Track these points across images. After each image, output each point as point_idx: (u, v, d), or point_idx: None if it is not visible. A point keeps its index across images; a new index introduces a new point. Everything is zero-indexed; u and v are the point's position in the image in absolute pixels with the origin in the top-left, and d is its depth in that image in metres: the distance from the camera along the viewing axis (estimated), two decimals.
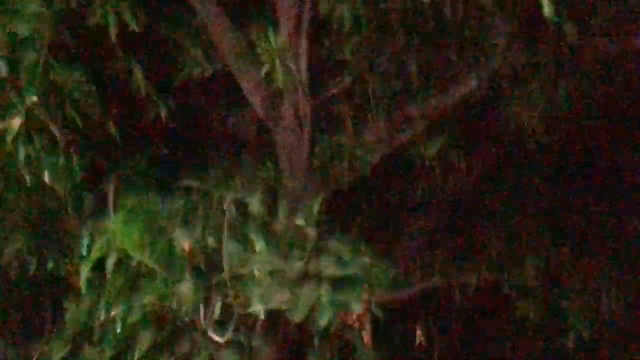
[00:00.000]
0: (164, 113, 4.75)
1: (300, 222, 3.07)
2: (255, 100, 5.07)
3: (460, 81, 4.16)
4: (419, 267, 5.00)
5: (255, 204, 2.78)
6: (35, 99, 2.95)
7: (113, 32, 4.41)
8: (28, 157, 3.00)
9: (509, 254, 4.50)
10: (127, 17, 4.46)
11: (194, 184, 3.04)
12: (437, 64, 4.05)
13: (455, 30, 3.78)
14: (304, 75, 4.70)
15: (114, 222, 2.55)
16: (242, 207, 2.83)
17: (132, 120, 4.68)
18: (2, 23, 2.84)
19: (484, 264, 4.60)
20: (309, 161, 4.88)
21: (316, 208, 3.21)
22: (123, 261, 2.63)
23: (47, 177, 2.73)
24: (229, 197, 2.79)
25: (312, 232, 2.97)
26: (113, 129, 4.54)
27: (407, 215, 5.14)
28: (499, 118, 4.19)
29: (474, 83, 4.10)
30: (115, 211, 3.27)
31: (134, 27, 4.48)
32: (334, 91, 4.92)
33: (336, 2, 4.03)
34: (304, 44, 4.62)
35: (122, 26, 4.46)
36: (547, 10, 1.70)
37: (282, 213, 3.41)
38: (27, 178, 2.85)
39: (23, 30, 2.89)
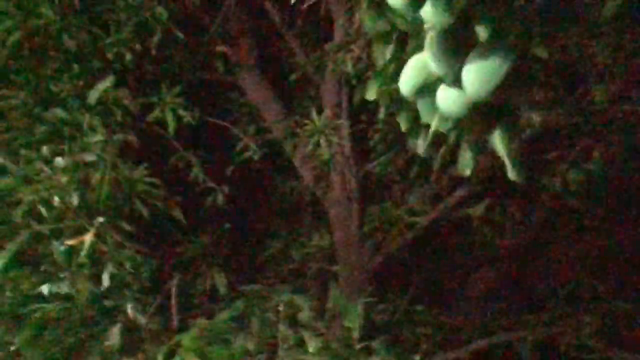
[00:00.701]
0: (220, 198, 5.07)
1: (346, 323, 3.25)
2: (305, 171, 5.37)
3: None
4: (478, 324, 5.07)
5: (305, 306, 2.99)
6: (101, 219, 3.29)
7: (171, 126, 4.79)
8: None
9: (566, 309, 4.51)
10: (181, 111, 4.83)
11: (251, 288, 3.28)
12: None
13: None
14: (347, 148, 4.96)
15: (184, 340, 2.76)
16: (293, 308, 3.05)
17: (193, 207, 5.04)
18: (71, 153, 3.22)
19: (542, 319, 4.63)
20: (360, 230, 5.10)
21: (360, 310, 3.39)
22: None
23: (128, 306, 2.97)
24: (282, 300, 3.02)
25: (356, 334, 3.14)
26: (177, 214, 4.86)
27: (463, 273, 5.24)
28: (537, 183, 4.25)
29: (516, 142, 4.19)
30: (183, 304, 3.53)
31: (188, 119, 4.84)
32: (376, 162, 5.14)
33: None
34: (344, 120, 4.89)
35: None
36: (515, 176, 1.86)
37: (329, 313, 3.59)
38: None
39: (89, 157, 3.26)
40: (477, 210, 4.69)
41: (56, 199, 3.17)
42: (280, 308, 2.99)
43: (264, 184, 5.93)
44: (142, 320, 2.89)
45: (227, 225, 5.48)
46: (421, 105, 1.82)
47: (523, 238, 4.89)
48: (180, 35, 4.48)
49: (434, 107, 1.80)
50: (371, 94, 1.95)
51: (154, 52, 4.55)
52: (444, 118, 1.80)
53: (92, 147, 3.35)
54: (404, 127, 1.90)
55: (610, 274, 4.70)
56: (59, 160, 3.18)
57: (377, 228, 5.04)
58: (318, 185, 5.29)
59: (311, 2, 5.00)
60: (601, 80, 3.83)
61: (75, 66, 4.05)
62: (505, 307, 5.07)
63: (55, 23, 4.05)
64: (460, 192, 4.82)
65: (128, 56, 4.29)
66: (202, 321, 2.84)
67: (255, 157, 5.23)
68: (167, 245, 4.64)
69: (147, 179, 4.44)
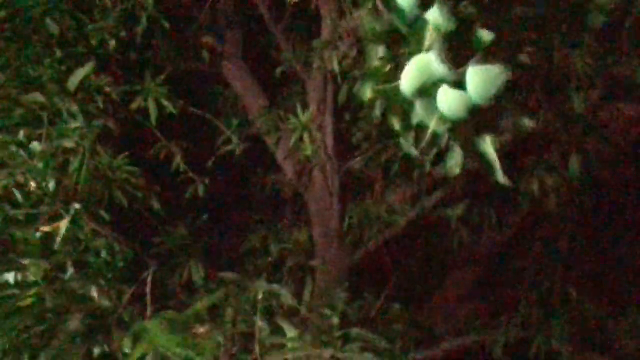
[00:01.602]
0: (200, 189, 5.05)
1: (326, 311, 3.26)
2: (287, 166, 5.37)
3: None
4: (452, 324, 5.11)
5: (285, 295, 2.99)
6: (77, 206, 3.26)
7: (152, 115, 4.75)
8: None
9: (538, 313, 4.57)
10: (164, 101, 4.80)
11: (231, 277, 3.27)
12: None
13: None
14: (330, 145, 4.97)
15: (153, 325, 2.75)
16: (273, 297, 3.05)
17: (172, 198, 5.02)
18: (49, 138, 3.20)
19: (514, 321, 4.68)
20: (339, 226, 5.12)
21: (341, 299, 3.41)
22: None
23: (94, 291, 2.97)
24: (261, 288, 3.02)
25: (336, 321, 3.16)
26: (156, 204, 4.83)
27: (440, 273, 5.28)
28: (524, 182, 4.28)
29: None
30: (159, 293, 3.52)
31: (170, 109, 4.81)
32: (359, 159, 5.16)
33: (353, 84, 4.26)
34: (328, 117, 4.90)
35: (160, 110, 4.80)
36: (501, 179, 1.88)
37: (307, 300, 3.59)
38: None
39: (68, 143, 3.23)
40: (456, 211, 4.72)
41: (32, 184, 3.14)
42: (259, 297, 2.99)
43: (245, 177, 5.93)
44: (108, 304, 2.87)
45: (205, 217, 5.47)
46: (420, 106, 1.83)
47: (499, 240, 4.94)
48: (166, 24, 4.45)
49: (433, 108, 1.81)
50: (366, 94, 1.95)
51: (138, 40, 4.52)
52: (442, 119, 1.82)
53: (71, 133, 3.32)
54: (396, 126, 1.91)
55: (584, 278, 4.76)
56: (36, 145, 3.15)
57: (356, 225, 5.06)
58: (299, 180, 5.30)
59: None
60: (580, 88, 3.88)
61: (57, 51, 4.01)
62: (479, 308, 5.12)
63: (38, 6, 4.00)
64: (439, 193, 4.85)
65: (112, 43, 4.26)
66: (171, 312, 2.83)
67: (237, 151, 5.22)
68: (145, 235, 4.61)
69: (127, 167, 4.41)
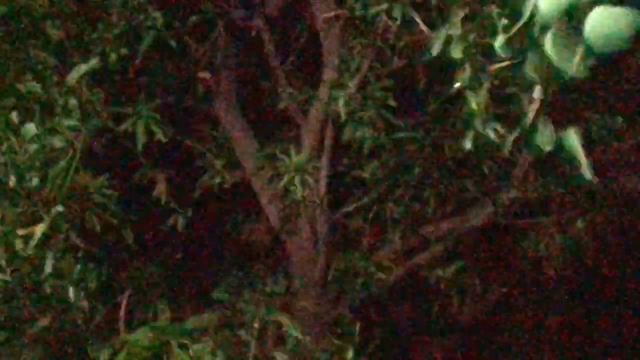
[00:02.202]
0: (180, 223, 4.78)
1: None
2: (272, 211, 5.14)
3: (477, 207, 4.20)
4: None
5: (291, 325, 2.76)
6: (60, 208, 2.99)
7: (140, 140, 4.52)
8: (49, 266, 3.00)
9: None
10: (154, 127, 4.59)
11: (228, 297, 3.03)
12: (455, 188, 4.11)
13: (475, 159, 3.88)
14: (323, 190, 4.78)
15: (138, 335, 2.51)
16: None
17: (149, 227, 4.72)
18: (40, 137, 2.95)
19: None
20: (323, 277, 4.86)
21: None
22: None
23: (70, 292, 2.71)
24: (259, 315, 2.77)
25: None
26: (129, 237, 4.54)
27: (421, 338, 5.03)
28: (516, 247, 4.18)
29: (490, 209, 4.14)
30: (128, 324, 3.23)
31: (160, 137, 4.59)
32: (351, 208, 4.98)
33: (358, 126, 4.14)
34: (324, 161, 4.74)
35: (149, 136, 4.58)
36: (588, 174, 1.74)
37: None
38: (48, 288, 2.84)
39: (58, 143, 2.99)
40: (447, 272, 4.54)
41: (12, 179, 2.85)
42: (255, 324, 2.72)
43: (225, 219, 5.67)
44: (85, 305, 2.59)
45: (179, 256, 5.16)
46: (554, 41, 1.59)
47: (484, 309, 4.74)
48: (172, 43, 4.29)
49: (577, 39, 1.56)
50: (457, 53, 1.78)
51: (139, 59, 4.35)
52: (588, 54, 1.54)
53: (64, 130, 3.07)
54: (473, 105, 1.74)
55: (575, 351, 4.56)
56: (29, 128, 2.88)
57: (341, 278, 4.80)
58: (284, 227, 5.06)
59: (304, 39, 4.98)
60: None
61: (51, 59, 3.79)
62: None
63: (40, 7, 3.81)
64: (430, 252, 4.68)
65: (113, 56, 4.07)
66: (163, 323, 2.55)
67: (226, 184, 5.00)
68: (119, 262, 4.29)
69: (106, 191, 4.14)
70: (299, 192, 4.75)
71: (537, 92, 1.66)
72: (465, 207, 4.23)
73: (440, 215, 4.37)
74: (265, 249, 5.68)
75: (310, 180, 4.73)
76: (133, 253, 4.48)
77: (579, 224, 3.85)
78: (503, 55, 1.66)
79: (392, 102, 4.21)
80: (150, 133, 4.57)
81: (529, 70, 1.64)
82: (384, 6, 3.85)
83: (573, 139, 1.68)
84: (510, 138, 1.77)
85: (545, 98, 1.68)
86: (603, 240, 3.89)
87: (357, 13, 4.13)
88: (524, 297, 4.69)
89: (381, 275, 4.74)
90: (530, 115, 1.69)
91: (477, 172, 3.91)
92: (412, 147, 4.05)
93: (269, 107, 5.25)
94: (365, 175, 4.67)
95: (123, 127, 4.52)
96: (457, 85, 2.00)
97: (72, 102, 3.12)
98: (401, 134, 4.04)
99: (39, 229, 2.89)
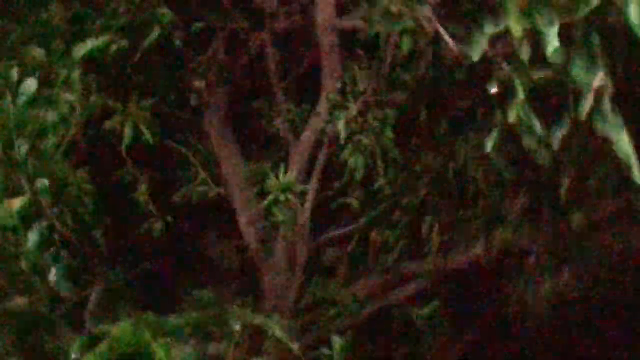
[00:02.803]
0: (156, 229, 4.60)
1: None
2: (250, 231, 4.98)
3: (465, 246, 4.14)
4: None
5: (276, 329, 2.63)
6: (46, 182, 2.83)
7: (126, 138, 4.39)
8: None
9: None
10: (143, 127, 4.46)
11: (209, 297, 2.89)
12: (444, 226, 4.05)
13: (469, 197, 3.84)
14: (307, 215, 4.66)
15: (121, 328, 2.36)
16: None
17: (123, 229, 4.53)
18: (35, 110, 2.80)
19: None
20: (295, 304, 4.69)
21: None
22: None
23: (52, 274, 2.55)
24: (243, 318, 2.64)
25: None
26: (100, 237, 4.36)
27: None
28: (500, 293, 4.12)
29: (478, 250, 4.08)
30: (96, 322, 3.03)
31: (147, 138, 4.46)
32: (332, 236, 4.87)
33: (355, 150, 4.08)
34: (313, 184, 4.64)
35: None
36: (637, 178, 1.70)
37: None
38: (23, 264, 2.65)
39: (51, 117, 2.84)
40: (424, 311, 4.43)
41: None
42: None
43: (198, 233, 5.48)
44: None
45: (148, 265, 4.94)
46: None
47: (460, 352, 4.63)
48: (178, 42, 4.20)
49: None
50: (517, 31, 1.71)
51: (138, 55, 4.24)
52: None
53: (61, 104, 2.92)
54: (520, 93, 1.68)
55: None
56: (29, 84, 2.71)
57: (314, 306, 4.65)
58: (260, 248, 4.90)
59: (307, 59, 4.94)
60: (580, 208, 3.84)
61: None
62: None
63: None
64: (408, 288, 4.57)
65: (113, 47, 3.95)
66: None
67: (203, 197, 4.85)
68: (90, 256, 4.06)
69: (84, 185, 3.98)
70: (281, 213, 4.63)
71: (598, 80, 1.61)
72: (452, 246, 4.16)
73: (425, 252, 4.29)
74: (235, 269, 5.50)
75: (296, 202, 4.62)
76: (102, 253, 4.27)
77: (566, 274, 3.83)
78: (554, 61, 1.63)
79: (389, 134, 4.18)
80: (137, 133, 4.44)
81: (577, 74, 1.61)
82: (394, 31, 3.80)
83: (624, 144, 1.65)
84: (558, 134, 1.72)
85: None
86: (588, 296, 3.86)
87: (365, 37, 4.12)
88: (500, 348, 4.59)
89: (355, 307, 4.61)
90: (588, 104, 1.63)
91: (470, 209, 3.87)
92: (405, 179, 3.99)
93: (260, 124, 5.17)
94: (353, 203, 4.58)
95: (111, 122, 4.38)
96: (493, 89, 1.96)
97: (75, 75, 2.99)
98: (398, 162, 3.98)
99: (19, 202, 2.72)
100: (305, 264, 4.76)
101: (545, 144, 2.15)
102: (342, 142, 4.15)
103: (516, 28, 1.60)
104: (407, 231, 4.22)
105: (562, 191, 2.21)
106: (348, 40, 4.65)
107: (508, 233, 3.83)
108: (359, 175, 4.28)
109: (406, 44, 3.79)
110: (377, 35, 4.07)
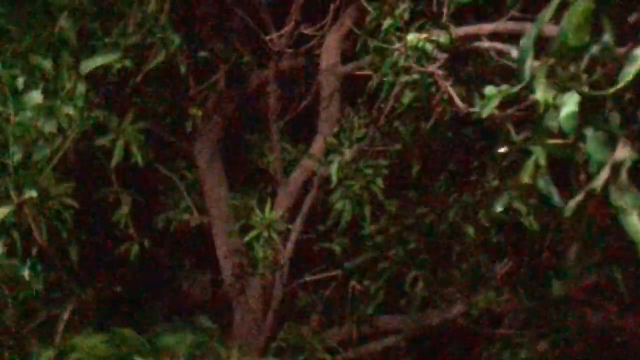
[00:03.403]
0: (135, 250, 4.51)
1: None
2: (227, 265, 4.90)
3: (446, 305, 4.10)
4: None
5: None
6: (34, 193, 2.76)
7: (116, 157, 4.33)
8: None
9: None
10: (135, 148, 4.40)
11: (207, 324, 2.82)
12: (427, 282, 4.02)
13: (455, 255, 3.83)
14: (288, 255, 4.60)
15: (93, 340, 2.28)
16: None
17: (101, 248, 4.43)
18: (34, 118, 2.75)
19: None
20: (265, 345, 4.59)
21: None
22: None
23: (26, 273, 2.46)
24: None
25: None
26: (74, 254, 4.25)
27: None
28: (476, 355, 4.07)
29: (458, 309, 4.05)
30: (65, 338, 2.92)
31: (137, 159, 4.40)
32: (309, 279, 4.81)
33: (344, 195, 4.07)
34: (297, 225, 4.59)
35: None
36: None
37: None
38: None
39: (49, 127, 2.80)
40: None
41: None
42: None
43: (173, 262, 5.38)
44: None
45: (120, 288, 4.82)
46: None
47: None
48: (183, 68, 4.19)
49: None
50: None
51: (139, 77, 4.22)
52: None
53: (61, 115, 2.88)
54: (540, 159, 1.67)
55: None
56: (34, 95, 2.67)
57: (284, 349, 4.54)
58: (235, 283, 4.81)
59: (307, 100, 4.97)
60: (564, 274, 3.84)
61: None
62: None
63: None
64: (383, 342, 4.50)
65: (117, 66, 3.92)
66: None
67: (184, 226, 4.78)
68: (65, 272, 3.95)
69: (65, 199, 3.90)
70: (262, 250, 4.57)
71: (620, 152, 1.62)
72: (433, 303, 4.12)
73: (404, 306, 4.25)
74: (206, 301, 5.39)
75: (278, 240, 4.57)
76: (74, 270, 4.16)
77: (543, 344, 3.80)
78: (566, 130, 1.64)
79: (380, 183, 4.18)
80: (127, 153, 4.39)
81: (592, 149, 1.63)
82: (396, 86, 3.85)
83: (636, 217, 1.65)
84: (574, 201, 1.71)
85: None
86: None
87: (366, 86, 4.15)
88: None
89: (326, 356, 4.51)
90: (604, 176, 1.64)
91: (454, 268, 3.85)
92: (397, 230, 3.98)
93: (250, 158, 5.15)
94: (335, 248, 4.54)
95: (102, 140, 4.32)
96: (503, 150, 1.96)
97: (80, 89, 2.95)
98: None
99: (3, 211, 2.64)
100: (280, 305, 4.69)
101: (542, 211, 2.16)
102: (333, 186, 4.13)
103: (544, 96, 1.62)
104: (389, 283, 4.18)
105: (570, 257, 2.21)
106: (349, 87, 4.70)
107: (490, 295, 3.81)
108: (345, 220, 4.25)
109: (407, 97, 3.83)
110: (378, 85, 4.11)
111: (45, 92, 2.83)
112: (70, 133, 3.01)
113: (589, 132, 1.59)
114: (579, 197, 1.67)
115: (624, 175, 1.62)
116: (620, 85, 1.55)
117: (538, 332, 3.89)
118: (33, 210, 3.43)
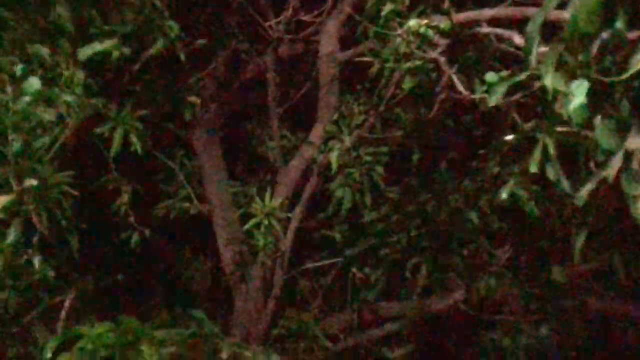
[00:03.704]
0: (135, 239, 4.50)
1: None
2: (227, 253, 4.90)
3: (447, 292, 4.11)
4: None
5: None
6: (34, 182, 2.75)
7: (115, 146, 4.30)
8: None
9: None
10: (134, 136, 4.38)
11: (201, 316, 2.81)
12: (426, 271, 4.02)
13: (456, 242, 3.83)
14: (289, 243, 4.60)
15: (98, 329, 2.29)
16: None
17: (101, 237, 4.42)
18: (33, 105, 2.72)
19: None
20: (266, 333, 4.60)
21: None
22: None
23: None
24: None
25: None
26: (74, 243, 4.23)
27: None
28: (477, 341, 4.08)
29: (459, 296, 4.05)
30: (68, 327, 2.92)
31: (137, 148, 4.37)
32: (310, 267, 4.81)
33: (344, 182, 4.06)
34: (297, 212, 4.59)
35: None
36: None
37: None
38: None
39: (49, 116, 2.77)
40: (398, 353, 4.37)
41: None
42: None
43: (173, 251, 5.37)
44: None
45: (120, 277, 4.81)
46: None
47: None
48: (182, 57, 4.15)
49: None
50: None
51: (138, 65, 4.19)
52: None
53: (60, 103, 2.86)
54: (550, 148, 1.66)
55: None
56: (33, 81, 2.64)
57: (285, 337, 4.55)
58: (236, 272, 4.81)
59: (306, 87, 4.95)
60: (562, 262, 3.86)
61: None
62: None
63: None
64: (384, 328, 4.51)
65: (115, 54, 3.89)
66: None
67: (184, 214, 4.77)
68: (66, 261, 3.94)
69: (65, 187, 3.88)
70: (263, 238, 4.56)
71: (632, 141, 1.60)
72: (434, 289, 4.13)
73: (406, 293, 4.25)
74: (206, 290, 5.39)
75: (278, 228, 4.56)
76: (74, 259, 4.16)
77: (544, 329, 3.82)
78: (576, 122, 1.63)
79: (380, 170, 4.17)
80: (126, 142, 4.37)
81: (601, 137, 1.61)
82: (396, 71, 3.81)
83: None
84: (585, 190, 1.70)
85: None
86: (565, 352, 3.85)
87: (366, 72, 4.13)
88: None
89: (327, 343, 4.52)
90: (616, 164, 1.62)
91: (455, 255, 3.85)
92: (393, 216, 3.97)
93: (249, 146, 5.13)
94: (336, 236, 4.54)
95: (101, 129, 4.30)
96: (509, 137, 1.95)
97: (79, 76, 2.92)
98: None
99: (4, 200, 2.62)
100: (281, 292, 4.69)
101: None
102: (333, 173, 4.12)
103: (553, 83, 1.60)
104: (390, 270, 4.18)
105: (577, 244, 2.22)
106: (348, 73, 4.68)
107: (490, 281, 3.82)
108: (345, 208, 4.25)
109: (408, 83, 3.81)
110: (379, 71, 4.08)
111: (44, 80, 2.80)
112: (69, 121, 2.98)
113: (597, 120, 1.59)
114: (590, 186, 1.66)
115: (635, 163, 1.60)
116: (631, 71, 1.54)
117: (539, 318, 3.91)
118: (33, 198, 3.41)
